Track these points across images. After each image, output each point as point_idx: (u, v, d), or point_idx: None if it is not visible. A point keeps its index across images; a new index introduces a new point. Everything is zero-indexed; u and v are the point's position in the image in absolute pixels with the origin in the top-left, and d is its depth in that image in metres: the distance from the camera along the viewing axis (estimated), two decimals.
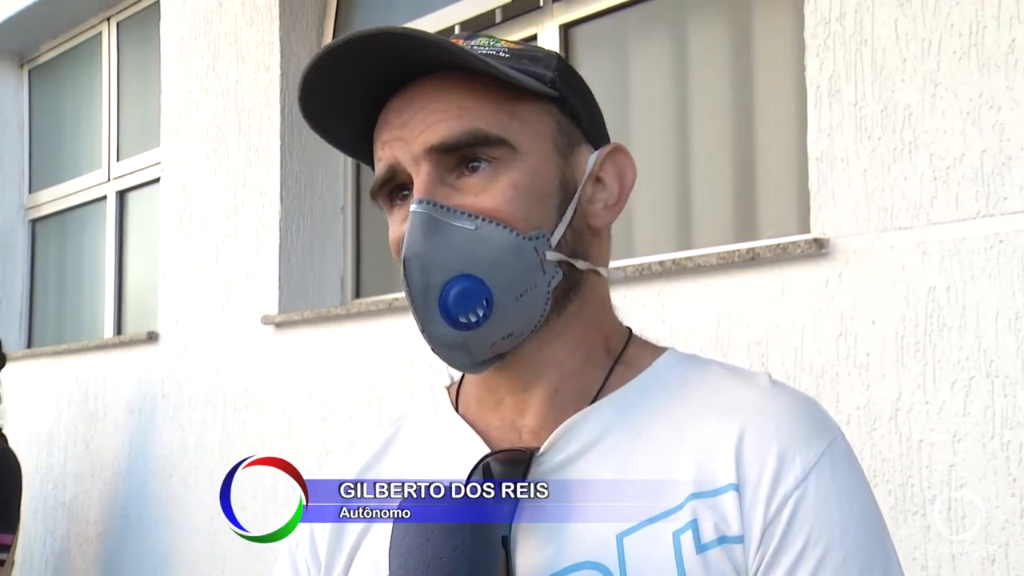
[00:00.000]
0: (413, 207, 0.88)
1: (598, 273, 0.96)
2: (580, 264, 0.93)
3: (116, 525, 4.09)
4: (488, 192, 0.89)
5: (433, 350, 0.90)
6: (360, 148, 0.96)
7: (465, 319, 0.87)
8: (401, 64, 0.90)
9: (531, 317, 0.90)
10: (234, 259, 3.60)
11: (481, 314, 0.87)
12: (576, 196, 0.93)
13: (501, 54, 0.93)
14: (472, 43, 0.94)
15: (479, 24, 3.11)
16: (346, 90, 0.91)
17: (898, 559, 0.90)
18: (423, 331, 0.88)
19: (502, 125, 0.90)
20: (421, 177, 0.89)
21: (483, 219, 0.88)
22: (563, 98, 0.94)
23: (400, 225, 0.91)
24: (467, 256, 0.87)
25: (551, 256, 0.90)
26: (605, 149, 0.96)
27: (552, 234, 0.91)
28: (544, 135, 0.92)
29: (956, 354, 1.91)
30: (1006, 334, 1.86)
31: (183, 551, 3.71)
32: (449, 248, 0.87)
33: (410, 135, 0.90)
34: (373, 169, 0.96)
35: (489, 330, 0.88)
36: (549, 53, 0.97)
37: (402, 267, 0.87)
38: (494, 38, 0.96)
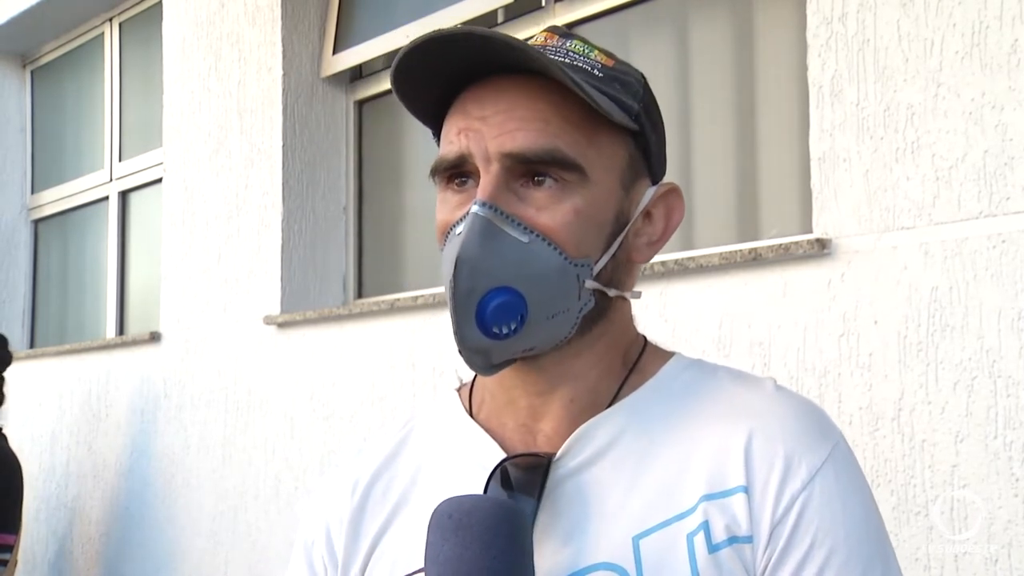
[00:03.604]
0: (475, 208, 0.88)
1: (624, 298, 0.98)
2: (612, 292, 0.95)
3: (119, 525, 4.09)
4: (549, 211, 0.90)
5: (459, 351, 0.91)
6: (432, 118, 0.96)
7: (498, 330, 0.89)
8: (497, 62, 0.90)
9: (556, 336, 0.92)
10: (236, 259, 3.60)
11: (513, 328, 0.89)
12: (626, 230, 0.95)
13: (595, 71, 0.93)
14: (566, 45, 0.95)
15: (480, 24, 3.11)
16: (433, 72, 0.91)
17: (896, 559, 0.92)
18: (456, 332, 0.90)
19: (580, 150, 0.90)
20: (489, 178, 0.89)
21: (537, 235, 0.89)
22: (642, 132, 0.95)
23: (452, 211, 0.92)
24: (514, 269, 0.89)
25: (589, 284, 0.92)
26: (662, 188, 0.98)
27: (596, 263, 0.93)
28: (615, 168, 0.93)
29: (959, 354, 1.91)
30: (1009, 334, 1.86)
31: (186, 551, 3.71)
32: (499, 256, 0.88)
33: (488, 132, 0.90)
34: (436, 137, 0.96)
35: (515, 343, 0.90)
36: (638, 79, 0.97)
37: (452, 267, 0.88)
38: (589, 44, 0.96)
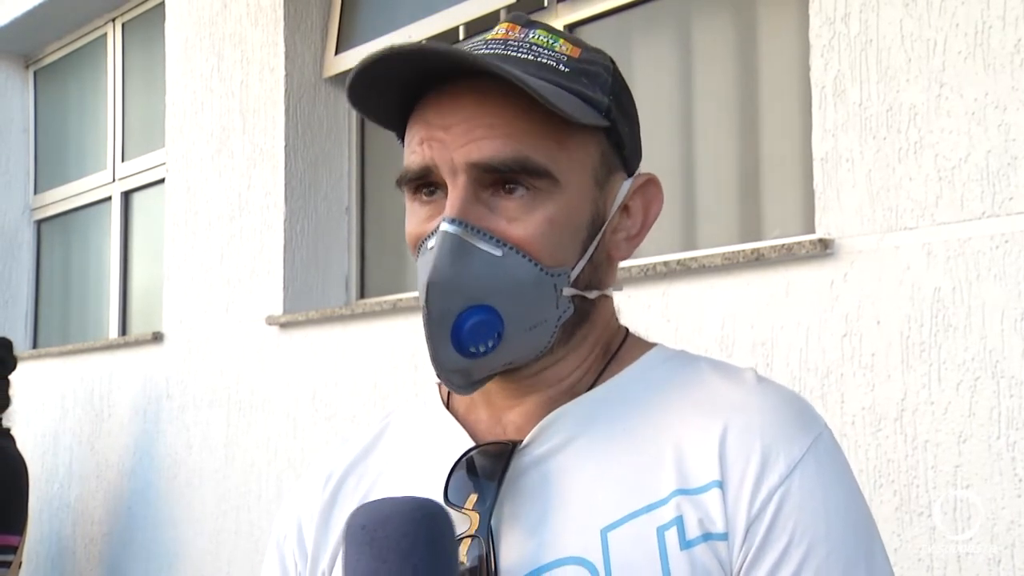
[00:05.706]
0: (444, 226, 0.85)
1: (606, 295, 0.95)
2: (592, 294, 0.92)
3: (121, 525, 4.09)
4: (522, 221, 0.87)
5: (437, 374, 0.89)
6: (394, 120, 0.93)
7: (475, 349, 0.86)
8: (456, 69, 0.87)
9: (535, 347, 0.90)
10: (239, 260, 3.60)
11: (490, 345, 0.87)
12: (603, 229, 0.92)
13: (560, 67, 0.90)
14: (529, 37, 0.92)
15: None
16: (390, 82, 0.89)
17: (885, 554, 0.89)
18: (432, 357, 0.87)
19: (550, 155, 0.87)
20: (457, 192, 0.86)
21: (510, 248, 0.86)
22: (614, 126, 0.92)
23: (422, 224, 0.89)
24: (488, 285, 0.86)
25: (567, 292, 0.90)
26: (639, 180, 0.95)
27: (573, 269, 0.90)
28: (586, 167, 0.90)
29: (961, 355, 1.91)
30: (1012, 335, 1.86)
31: (188, 551, 3.71)
32: (472, 273, 0.85)
33: (452, 143, 0.86)
34: (401, 140, 0.93)
35: (493, 359, 0.88)
36: (607, 67, 0.94)
37: (424, 290, 0.85)
38: (552, 33, 0.93)
